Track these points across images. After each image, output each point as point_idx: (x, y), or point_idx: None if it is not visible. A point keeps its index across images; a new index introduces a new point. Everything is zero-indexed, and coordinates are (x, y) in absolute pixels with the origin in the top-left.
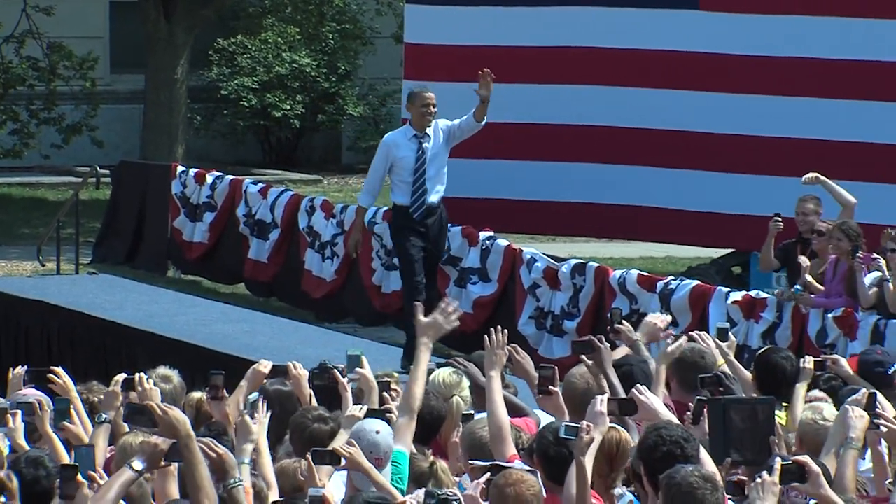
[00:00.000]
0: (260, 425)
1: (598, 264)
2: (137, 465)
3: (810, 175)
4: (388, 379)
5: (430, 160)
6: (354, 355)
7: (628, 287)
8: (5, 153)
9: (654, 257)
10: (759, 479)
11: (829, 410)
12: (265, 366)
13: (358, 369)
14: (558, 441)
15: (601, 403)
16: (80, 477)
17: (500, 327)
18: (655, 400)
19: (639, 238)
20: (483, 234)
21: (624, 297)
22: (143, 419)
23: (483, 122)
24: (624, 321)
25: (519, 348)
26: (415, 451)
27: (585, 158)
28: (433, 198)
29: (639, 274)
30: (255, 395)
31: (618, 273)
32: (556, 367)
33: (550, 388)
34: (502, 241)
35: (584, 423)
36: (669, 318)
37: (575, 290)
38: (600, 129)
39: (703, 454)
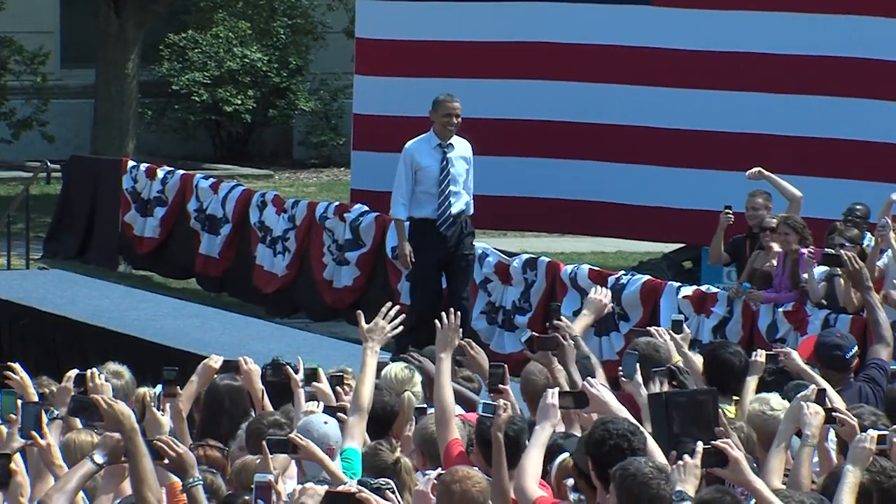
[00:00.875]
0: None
1: (549, 259)
2: (98, 458)
3: (754, 170)
4: (341, 374)
5: (454, 171)
6: (311, 368)
7: (580, 282)
8: None
9: (605, 252)
10: (680, 462)
11: (776, 401)
12: (216, 361)
13: (315, 383)
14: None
15: (552, 396)
16: (13, 465)
17: (452, 310)
18: (606, 393)
19: (590, 233)
20: None
21: (575, 291)
22: (89, 413)
23: None
24: (563, 317)
25: (473, 343)
26: (382, 444)
27: (534, 153)
28: (456, 208)
29: (590, 269)
30: (158, 388)
31: (569, 268)
32: (506, 366)
33: (500, 386)
34: None
35: (501, 401)
36: (609, 292)
37: (526, 285)
38: (549, 125)
39: (651, 445)
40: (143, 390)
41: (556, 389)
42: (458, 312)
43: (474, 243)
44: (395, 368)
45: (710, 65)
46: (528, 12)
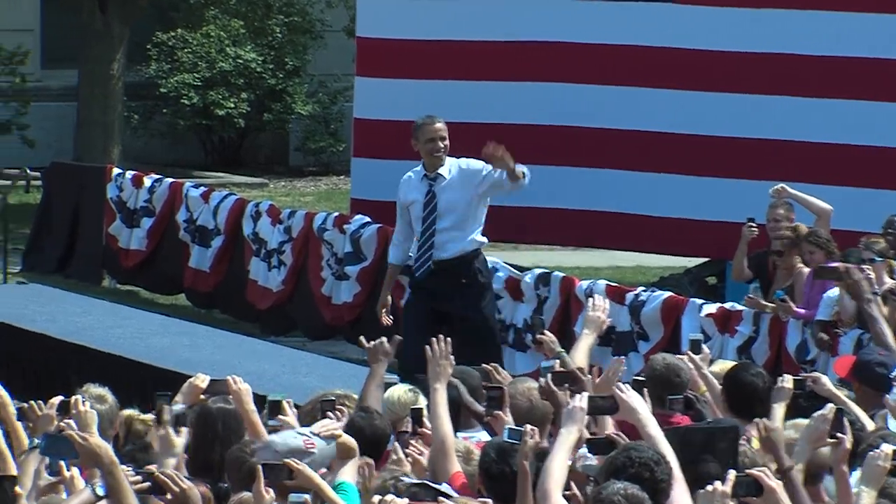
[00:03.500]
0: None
1: (563, 274)
2: (100, 490)
3: (777, 187)
4: (333, 399)
5: (444, 210)
6: (275, 401)
7: None
8: None
9: (623, 266)
10: (709, 489)
11: None
12: (202, 380)
13: (281, 416)
14: (501, 457)
15: (581, 399)
16: (18, 489)
17: (442, 336)
18: (637, 399)
19: (606, 246)
20: None
21: None
22: (63, 450)
23: (521, 182)
24: (546, 331)
25: (500, 368)
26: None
27: (547, 161)
28: (444, 253)
29: (607, 284)
30: (180, 406)
31: (585, 283)
32: (505, 389)
33: (496, 412)
34: None
35: (528, 426)
36: (607, 304)
37: (539, 302)
38: (564, 130)
39: (679, 477)
40: (128, 412)
41: (585, 394)
42: (448, 340)
43: (485, 287)
44: (399, 391)
45: (735, 66)
46: (544, 10)
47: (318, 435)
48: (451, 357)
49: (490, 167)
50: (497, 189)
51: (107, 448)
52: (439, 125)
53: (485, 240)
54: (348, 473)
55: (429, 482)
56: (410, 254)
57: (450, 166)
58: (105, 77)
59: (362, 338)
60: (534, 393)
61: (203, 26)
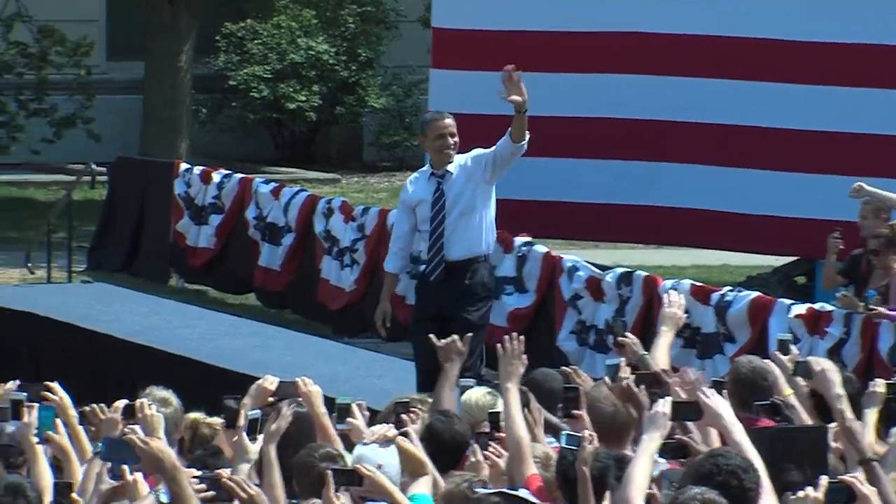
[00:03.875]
0: (259, 444)
1: (646, 273)
2: (164, 497)
3: (855, 185)
4: (407, 400)
5: (451, 205)
6: (344, 404)
7: None
8: None
9: (709, 266)
10: (800, 495)
11: None
12: (270, 382)
13: (350, 420)
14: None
15: (664, 405)
16: (75, 496)
17: (515, 334)
18: (721, 403)
19: (690, 244)
20: (518, 240)
21: None
22: (123, 455)
23: (523, 142)
24: (629, 333)
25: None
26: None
27: (630, 156)
28: (455, 253)
29: (692, 284)
30: (256, 412)
31: (669, 283)
32: (581, 389)
33: (574, 412)
34: (540, 248)
35: (587, 432)
36: (683, 299)
37: (621, 302)
38: (647, 124)
39: (768, 486)
40: (193, 416)
41: (669, 398)
42: (521, 338)
43: (486, 297)
44: (477, 394)
45: (825, 58)
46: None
47: (374, 442)
48: (524, 356)
49: (490, 150)
50: (503, 164)
51: (169, 453)
52: (448, 121)
53: (492, 246)
54: (423, 486)
55: (506, 490)
56: (422, 256)
57: (457, 163)
58: (172, 69)
59: (432, 336)
60: (615, 398)
61: (274, 17)
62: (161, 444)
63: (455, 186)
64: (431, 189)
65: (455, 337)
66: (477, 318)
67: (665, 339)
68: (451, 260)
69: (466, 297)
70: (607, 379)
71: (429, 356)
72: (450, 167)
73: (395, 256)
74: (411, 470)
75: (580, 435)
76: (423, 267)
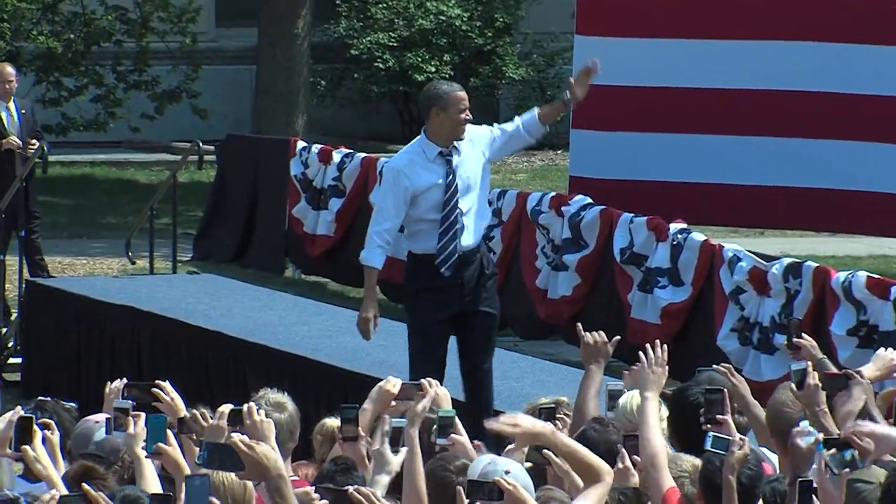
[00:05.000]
0: (402, 455)
1: (817, 264)
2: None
3: None
4: (554, 405)
5: (463, 187)
6: (447, 416)
7: (855, 293)
8: (87, 125)
9: (888, 256)
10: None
11: None
12: (394, 384)
13: (454, 435)
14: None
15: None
16: None
17: (658, 341)
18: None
19: (867, 232)
20: (674, 227)
21: (849, 304)
22: (226, 460)
23: (546, 129)
24: (805, 335)
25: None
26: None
27: (800, 133)
28: (469, 240)
29: (868, 276)
30: (401, 420)
31: (842, 275)
32: (725, 391)
33: (719, 416)
34: (698, 236)
35: (738, 436)
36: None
37: (788, 297)
38: (818, 96)
39: None
40: (331, 422)
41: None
42: (664, 346)
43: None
44: (636, 398)
45: None
46: None
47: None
48: (668, 366)
49: (501, 126)
50: (514, 146)
51: (276, 459)
52: (463, 93)
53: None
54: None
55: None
56: (427, 247)
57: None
58: (288, 37)
59: (579, 325)
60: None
61: None
62: (266, 450)
63: (465, 165)
64: (441, 171)
65: (602, 336)
66: (497, 310)
67: (868, 375)
68: (465, 249)
69: (487, 286)
70: (793, 385)
71: (440, 363)
72: (457, 143)
73: (382, 251)
74: (587, 478)
75: (729, 438)
76: (437, 262)
